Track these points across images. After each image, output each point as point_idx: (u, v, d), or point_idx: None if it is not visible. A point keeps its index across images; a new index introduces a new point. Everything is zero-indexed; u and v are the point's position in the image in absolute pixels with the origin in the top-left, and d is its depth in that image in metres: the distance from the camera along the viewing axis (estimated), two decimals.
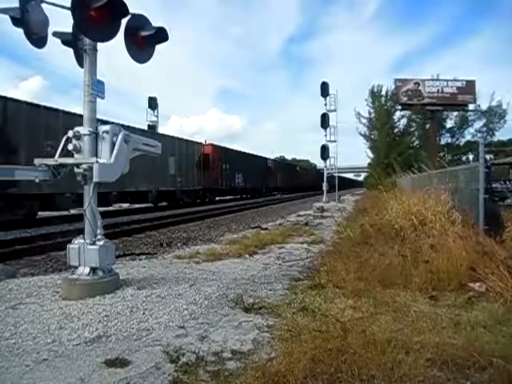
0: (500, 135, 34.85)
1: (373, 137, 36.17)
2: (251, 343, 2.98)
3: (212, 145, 27.57)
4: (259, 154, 40.09)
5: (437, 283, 4.40)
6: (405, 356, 2.59)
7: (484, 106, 32.85)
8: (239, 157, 32.48)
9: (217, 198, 28.41)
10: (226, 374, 2.48)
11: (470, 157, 28.57)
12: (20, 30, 3.94)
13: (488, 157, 7.60)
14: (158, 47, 4.67)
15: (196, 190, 24.71)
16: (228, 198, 31.60)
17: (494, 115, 32.68)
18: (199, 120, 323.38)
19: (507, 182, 14.06)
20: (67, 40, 4.40)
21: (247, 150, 36.97)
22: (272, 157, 49.25)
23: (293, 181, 49.02)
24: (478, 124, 33.57)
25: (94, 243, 4.14)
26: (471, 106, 33.33)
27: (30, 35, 3.98)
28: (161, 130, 31.65)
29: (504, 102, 32.32)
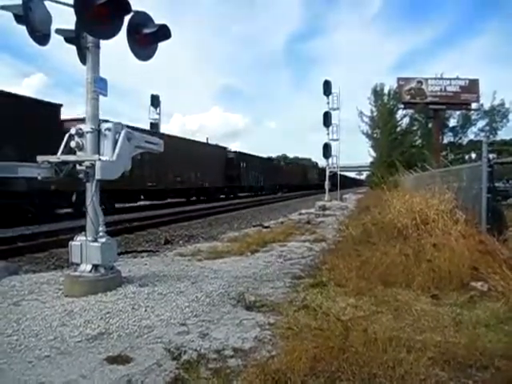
0: (503, 134, 34.76)
1: (375, 136, 36.07)
2: (252, 341, 2.98)
3: (235, 151, 33.85)
4: (272, 157, 45.45)
5: (439, 282, 4.39)
6: (406, 355, 2.58)
7: (487, 105, 32.69)
8: (256, 160, 37.67)
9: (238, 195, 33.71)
10: (228, 371, 2.49)
11: (473, 156, 28.44)
12: (23, 27, 3.95)
13: (491, 156, 7.55)
14: (161, 45, 4.67)
15: (222, 188, 30.16)
16: (246, 194, 35.63)
17: (497, 114, 32.53)
18: (201, 118, 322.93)
19: (510, 181, 14.02)
20: (70, 37, 4.40)
21: (264, 155, 41.69)
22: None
23: (299, 179, 51.89)
24: (481, 123, 33.43)
25: (95, 240, 4.15)
26: (474, 105, 33.14)
27: (32, 32, 3.98)
28: (163, 127, 32.12)
29: (507, 100, 32.16)
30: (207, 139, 30.93)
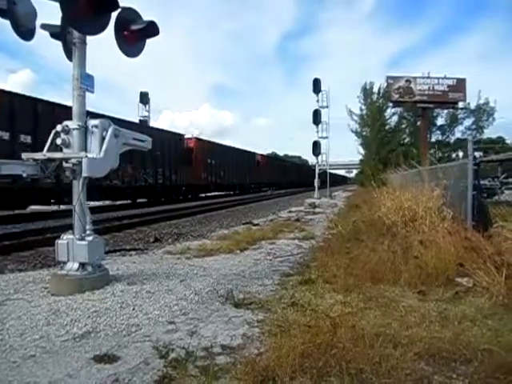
0: (489, 133, 35.16)
1: (364, 133, 36.24)
2: (241, 338, 2.99)
3: (262, 155, 42.84)
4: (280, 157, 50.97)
5: (425, 278, 4.44)
6: (393, 350, 2.61)
7: (474, 105, 33.07)
8: (274, 161, 49.79)
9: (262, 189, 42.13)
10: (216, 369, 2.48)
11: (460, 154, 28.77)
12: (7, 22, 3.88)
13: (477, 154, 7.66)
14: (151, 41, 4.64)
15: (252, 183, 38.44)
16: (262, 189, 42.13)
17: (483, 113, 32.93)
18: (191, 115, 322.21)
19: (495, 179, 14.21)
20: (56, 33, 4.34)
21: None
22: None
23: (298, 177, 57.44)
24: (468, 122, 33.80)
25: (83, 238, 4.11)
26: (461, 104, 33.53)
27: (17, 27, 3.92)
28: (152, 124, 31.62)
29: (492, 99, 32.53)
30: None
